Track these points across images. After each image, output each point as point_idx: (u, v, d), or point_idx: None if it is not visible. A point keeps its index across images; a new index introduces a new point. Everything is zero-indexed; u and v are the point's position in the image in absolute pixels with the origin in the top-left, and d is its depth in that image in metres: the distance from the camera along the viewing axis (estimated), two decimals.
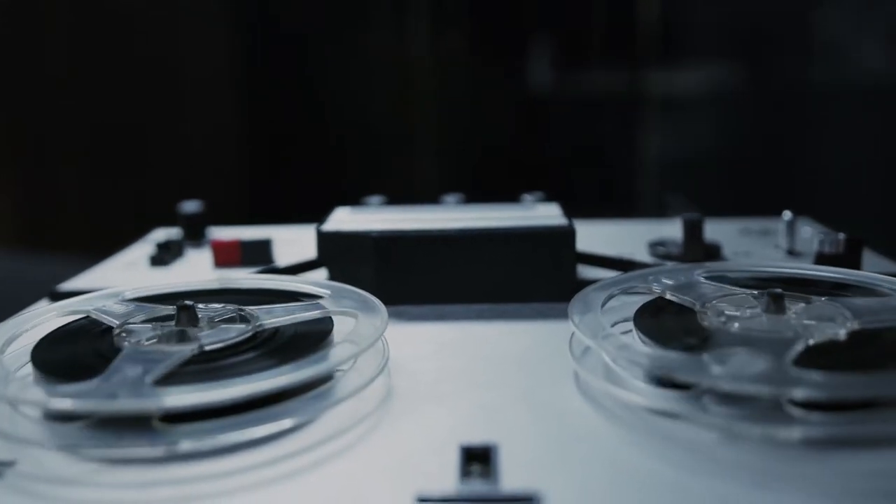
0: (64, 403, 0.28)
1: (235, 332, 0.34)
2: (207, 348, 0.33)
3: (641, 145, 1.20)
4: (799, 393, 0.27)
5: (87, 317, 0.38)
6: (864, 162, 1.04)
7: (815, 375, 0.28)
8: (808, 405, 0.28)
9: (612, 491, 0.26)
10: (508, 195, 0.58)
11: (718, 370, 0.29)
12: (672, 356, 0.31)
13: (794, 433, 0.28)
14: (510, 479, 0.27)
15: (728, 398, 0.29)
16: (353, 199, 0.55)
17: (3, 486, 0.27)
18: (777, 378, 0.28)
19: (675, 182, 1.14)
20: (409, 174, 1.23)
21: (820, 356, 0.31)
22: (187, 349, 0.32)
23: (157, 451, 0.28)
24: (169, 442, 0.28)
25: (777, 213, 0.65)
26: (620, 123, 1.21)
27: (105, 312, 0.37)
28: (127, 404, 0.28)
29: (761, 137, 1.14)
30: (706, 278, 0.41)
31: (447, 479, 0.27)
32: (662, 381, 0.32)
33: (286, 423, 0.29)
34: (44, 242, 1.31)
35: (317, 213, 0.51)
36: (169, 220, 0.65)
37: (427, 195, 0.57)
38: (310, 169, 1.24)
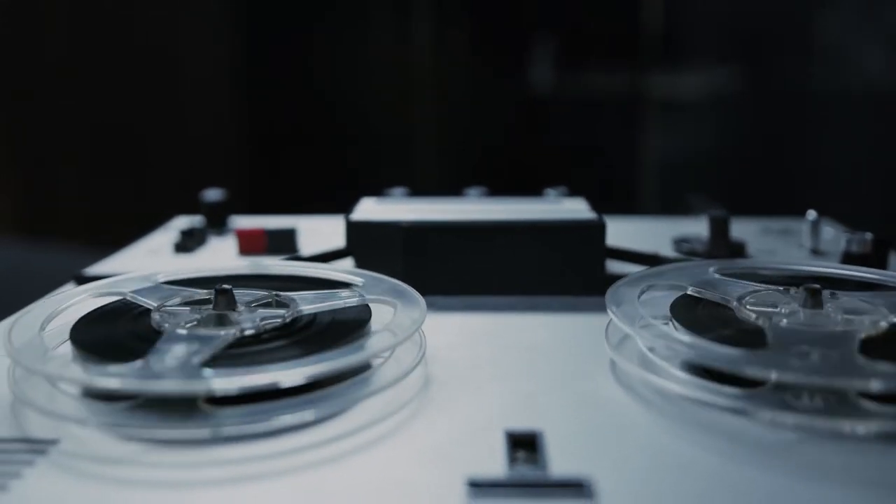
0: (111, 382, 0.28)
1: (274, 317, 0.34)
2: (247, 332, 0.33)
3: (642, 146, 1.21)
4: (875, 385, 0.27)
5: (123, 299, 0.38)
6: (864, 164, 1.05)
7: (885, 366, 0.28)
8: (876, 397, 0.28)
9: (658, 477, 0.26)
10: (512, 194, 0.58)
11: (789, 366, 0.29)
12: (733, 352, 0.30)
13: (870, 426, 0.28)
14: (558, 465, 0.27)
15: (784, 392, 0.29)
16: (360, 194, 0.55)
17: (48, 463, 0.27)
18: (850, 370, 0.28)
19: (675, 183, 1.14)
20: (410, 173, 1.23)
21: (878, 348, 0.31)
22: (230, 332, 0.32)
23: (203, 433, 0.28)
24: (214, 424, 0.28)
25: (781, 213, 0.65)
26: (621, 124, 1.21)
27: (141, 294, 0.37)
28: (174, 385, 0.28)
29: (761, 139, 1.14)
30: (734, 275, 0.41)
31: (496, 464, 0.27)
32: (699, 370, 0.32)
33: (329, 409, 0.29)
34: (45, 238, 1.31)
35: (320, 206, 0.51)
36: (170, 213, 0.66)
37: (431, 192, 0.57)
38: (310, 167, 1.24)
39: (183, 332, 0.32)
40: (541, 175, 0.64)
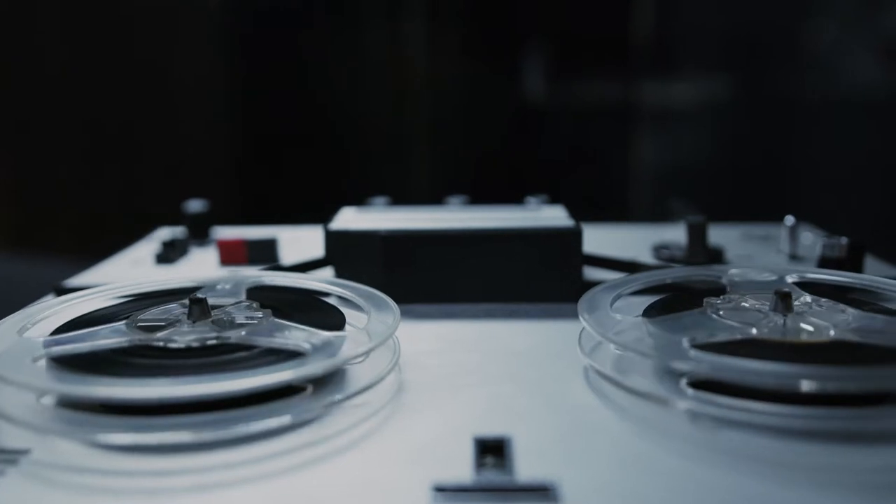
0: (78, 391, 0.28)
1: (247, 328, 0.34)
2: (214, 342, 0.33)
3: (634, 154, 1.21)
4: (813, 385, 0.28)
5: (101, 309, 0.38)
6: (855, 171, 1.05)
7: (830, 370, 0.29)
8: (818, 400, 0.29)
9: (625, 481, 0.26)
10: (502, 201, 0.58)
11: (746, 367, 0.29)
12: (708, 357, 0.31)
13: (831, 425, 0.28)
14: (525, 470, 0.27)
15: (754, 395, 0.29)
16: (347, 202, 0.56)
17: (18, 473, 0.27)
18: (795, 374, 0.29)
19: (667, 191, 1.15)
20: (403, 180, 1.24)
21: (832, 352, 0.31)
22: (196, 341, 0.32)
23: (155, 438, 0.28)
24: (171, 432, 0.28)
25: (769, 220, 0.65)
26: (613, 132, 1.22)
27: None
28: (132, 392, 0.28)
29: (753, 147, 1.15)
30: (714, 279, 0.41)
31: (462, 469, 0.27)
32: (673, 377, 0.33)
33: (293, 418, 0.30)
34: (35, 243, 1.31)
35: (310, 215, 0.51)
36: (164, 221, 0.65)
37: (421, 200, 0.58)
38: (303, 171, 1.24)
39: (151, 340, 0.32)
40: (532, 182, 0.65)
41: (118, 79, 1.25)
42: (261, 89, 1.25)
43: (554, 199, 0.59)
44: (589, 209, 0.64)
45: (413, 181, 1.24)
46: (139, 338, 0.33)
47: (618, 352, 0.35)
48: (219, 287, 0.40)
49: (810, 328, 0.34)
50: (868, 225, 0.98)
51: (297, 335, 0.34)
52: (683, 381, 0.31)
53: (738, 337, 0.33)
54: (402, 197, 0.62)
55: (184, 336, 0.33)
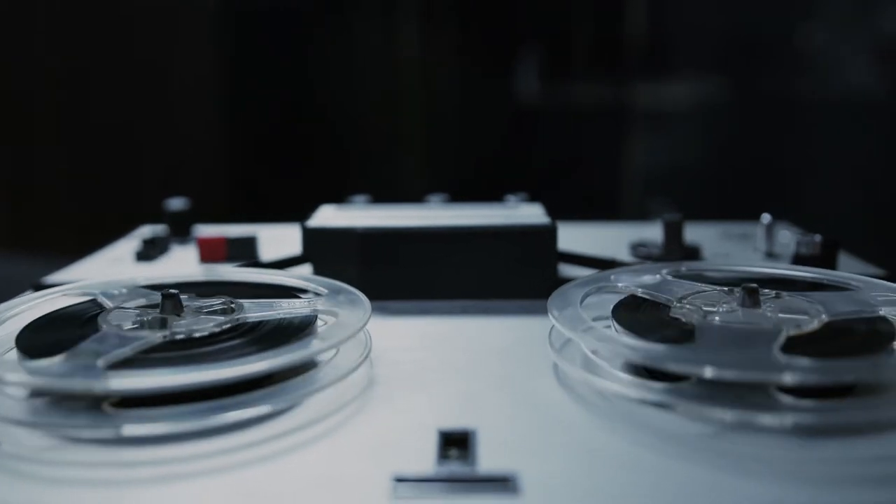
0: (17, 377, 0.29)
1: (213, 323, 0.35)
2: (178, 337, 0.33)
3: (626, 156, 1.22)
4: (789, 378, 0.28)
5: (94, 300, 0.38)
6: (848, 172, 1.06)
7: (803, 361, 0.29)
8: (795, 392, 0.29)
9: (587, 473, 0.26)
10: (493, 201, 0.58)
11: (709, 360, 0.29)
12: (660, 348, 0.31)
13: (784, 420, 0.28)
14: (487, 461, 0.27)
15: (712, 387, 0.30)
16: (338, 202, 0.56)
17: None
18: (767, 365, 0.29)
19: (659, 192, 1.15)
20: (396, 181, 1.24)
21: (802, 345, 0.32)
22: (156, 336, 0.33)
23: (102, 433, 0.29)
24: (114, 425, 0.29)
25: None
26: (606, 134, 1.22)
27: (108, 297, 0.38)
28: (76, 384, 0.29)
29: (746, 149, 1.15)
30: (681, 277, 0.41)
31: (425, 461, 0.27)
32: (640, 371, 0.33)
33: (263, 409, 0.30)
34: (36, 243, 1.31)
35: (303, 214, 0.51)
36: (155, 219, 0.65)
37: (415, 201, 0.58)
38: (303, 171, 1.25)
39: (117, 333, 0.33)
40: (524, 183, 0.65)
41: (111, 79, 1.25)
42: (259, 89, 1.26)
43: (545, 201, 0.59)
44: (581, 210, 0.65)
45: (406, 184, 1.24)
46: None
47: (587, 349, 0.35)
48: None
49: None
50: (860, 225, 0.99)
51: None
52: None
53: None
54: (399, 197, 0.63)
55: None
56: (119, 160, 1.28)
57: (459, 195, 0.63)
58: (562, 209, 0.57)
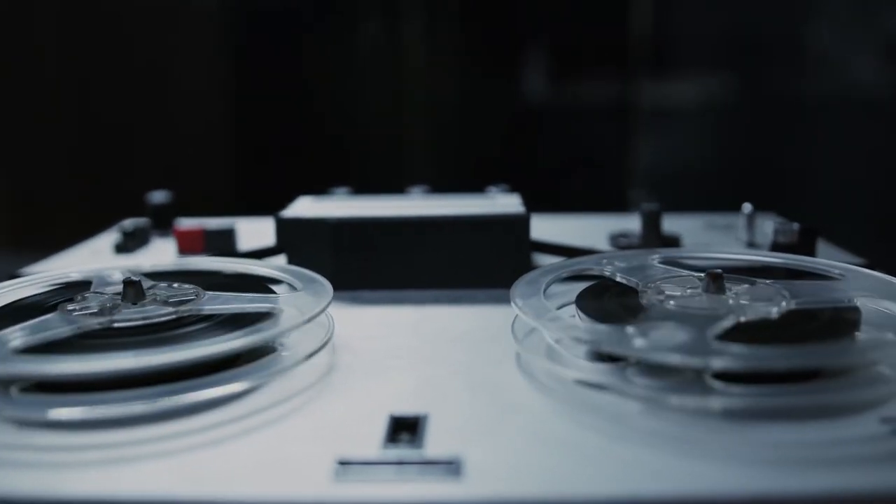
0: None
1: (160, 312, 0.35)
2: (119, 324, 0.34)
3: (633, 155, 1.21)
4: (716, 363, 0.28)
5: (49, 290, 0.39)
6: (855, 171, 1.05)
7: (736, 348, 0.29)
8: (728, 377, 0.29)
9: (532, 456, 0.26)
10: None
11: (641, 341, 0.29)
12: (600, 329, 0.31)
13: (713, 403, 0.28)
14: (435, 446, 0.27)
15: (654, 370, 0.30)
16: None
17: None
18: (697, 350, 0.29)
19: (665, 191, 1.15)
20: (398, 180, 1.24)
21: (747, 332, 0.31)
22: (94, 322, 0.33)
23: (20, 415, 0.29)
24: (33, 410, 0.29)
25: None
26: (612, 133, 1.22)
27: (106, 283, 0.38)
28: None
29: (751, 148, 1.15)
30: (655, 263, 0.41)
31: (373, 445, 0.27)
32: (601, 356, 0.33)
33: (213, 395, 0.30)
34: (36, 243, 1.31)
35: None
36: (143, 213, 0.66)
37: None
38: (298, 171, 1.25)
39: (66, 317, 0.33)
40: (532, 182, 0.65)
41: (112, 77, 1.26)
42: (261, 88, 1.26)
43: (551, 200, 0.59)
44: (586, 210, 0.65)
45: (415, 181, 1.25)
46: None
47: (549, 338, 0.35)
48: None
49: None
50: (863, 223, 0.98)
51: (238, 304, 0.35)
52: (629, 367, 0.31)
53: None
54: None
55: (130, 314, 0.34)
56: (119, 160, 1.28)
57: (430, 185, 0.63)
58: (567, 209, 0.57)
